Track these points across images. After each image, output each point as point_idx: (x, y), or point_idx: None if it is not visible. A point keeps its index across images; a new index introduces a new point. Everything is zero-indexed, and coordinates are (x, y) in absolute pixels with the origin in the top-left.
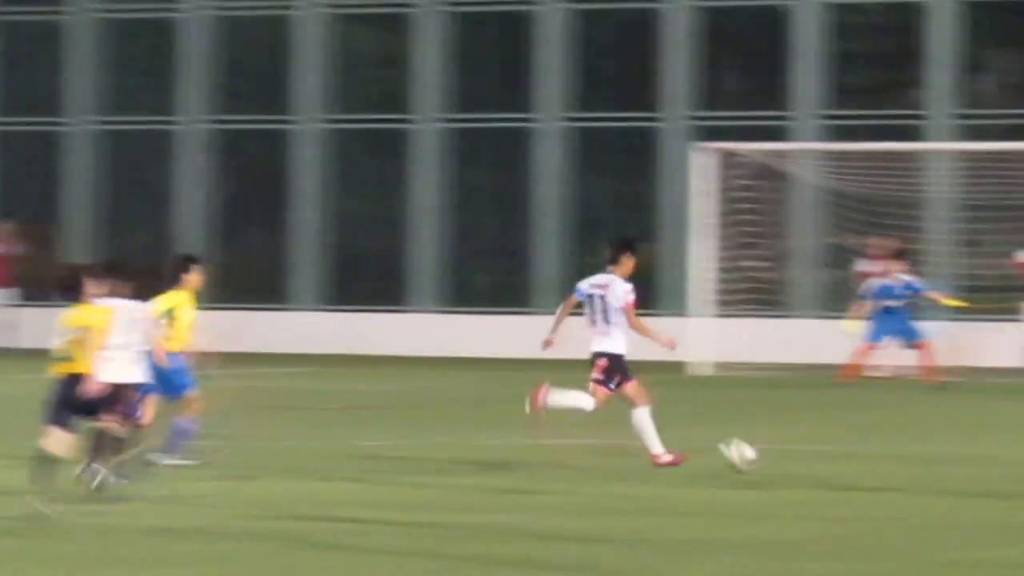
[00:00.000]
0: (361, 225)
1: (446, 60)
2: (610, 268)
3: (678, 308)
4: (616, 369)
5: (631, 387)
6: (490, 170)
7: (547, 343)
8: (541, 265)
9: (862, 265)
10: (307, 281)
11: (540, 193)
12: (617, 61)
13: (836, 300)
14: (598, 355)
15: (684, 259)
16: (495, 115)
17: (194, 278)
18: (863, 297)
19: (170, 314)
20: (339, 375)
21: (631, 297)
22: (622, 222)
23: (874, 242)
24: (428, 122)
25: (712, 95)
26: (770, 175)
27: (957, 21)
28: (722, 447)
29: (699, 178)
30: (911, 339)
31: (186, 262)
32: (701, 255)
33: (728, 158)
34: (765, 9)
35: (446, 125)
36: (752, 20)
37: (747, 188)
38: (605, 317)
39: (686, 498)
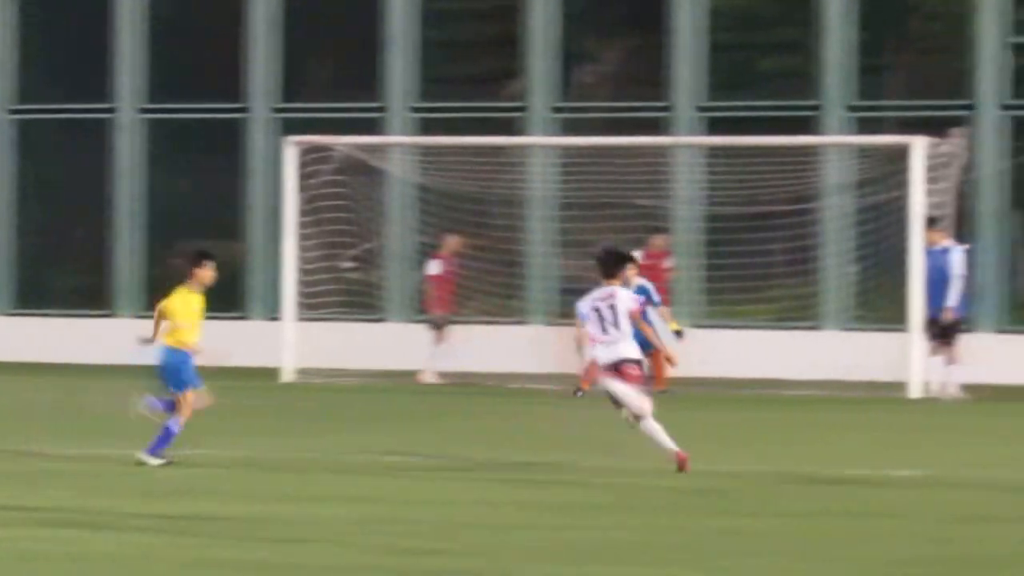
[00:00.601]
0: None
1: (17, 46)
2: (604, 282)
3: (270, 311)
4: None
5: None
6: (66, 163)
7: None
8: (121, 265)
9: (432, 268)
10: None
11: (119, 188)
12: (200, 48)
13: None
14: (626, 361)
15: (275, 259)
16: (68, 105)
17: (207, 274)
18: None
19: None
20: None
21: (637, 304)
22: (208, 219)
23: (448, 242)
24: None
25: (301, 85)
26: (362, 170)
27: (556, 9)
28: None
29: (288, 173)
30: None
31: (199, 258)
32: (291, 255)
33: (318, 152)
34: None
35: (17, 116)
36: (342, 6)
37: (339, 184)
38: (616, 324)
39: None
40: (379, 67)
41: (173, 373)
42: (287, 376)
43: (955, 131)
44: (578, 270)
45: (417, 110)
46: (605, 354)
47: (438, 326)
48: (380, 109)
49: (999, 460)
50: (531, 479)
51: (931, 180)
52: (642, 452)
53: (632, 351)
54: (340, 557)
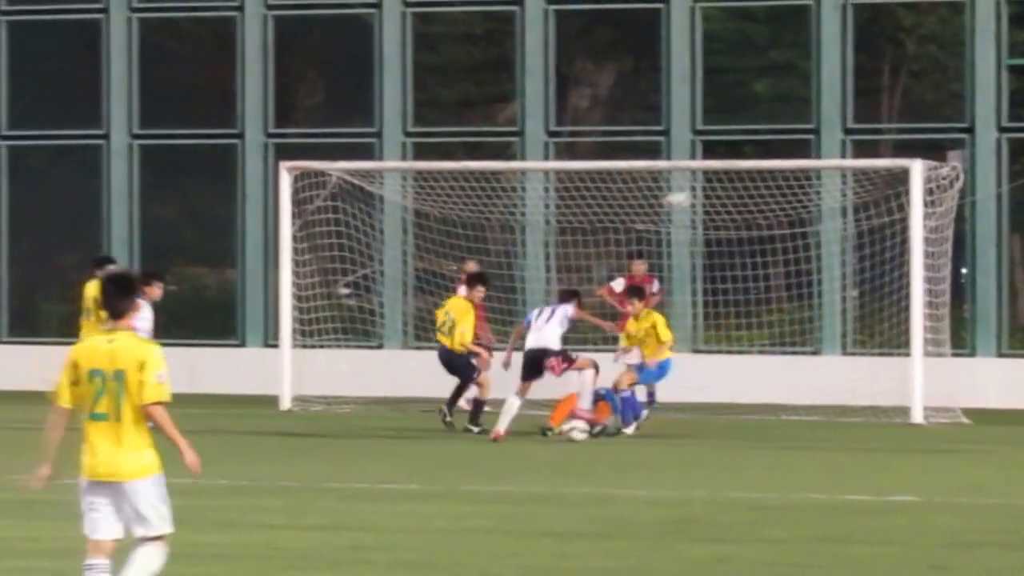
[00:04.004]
0: None
1: (8, 72)
2: None
3: (266, 339)
4: None
5: None
6: (58, 189)
7: None
8: None
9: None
10: None
11: (112, 215)
12: (192, 73)
13: (427, 330)
14: None
15: (270, 286)
16: (61, 131)
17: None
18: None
19: None
20: None
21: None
22: (202, 246)
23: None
24: None
25: (294, 110)
26: (357, 195)
27: (550, 32)
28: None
29: (283, 199)
30: None
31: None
32: (287, 282)
33: (312, 178)
34: (346, 18)
35: (9, 143)
36: (335, 30)
37: (333, 209)
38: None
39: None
40: (373, 91)
41: None
42: (285, 404)
43: (953, 154)
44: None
45: (411, 135)
46: None
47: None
48: (374, 134)
49: (996, 486)
50: (523, 506)
51: (930, 203)
52: (626, 479)
53: None
54: None
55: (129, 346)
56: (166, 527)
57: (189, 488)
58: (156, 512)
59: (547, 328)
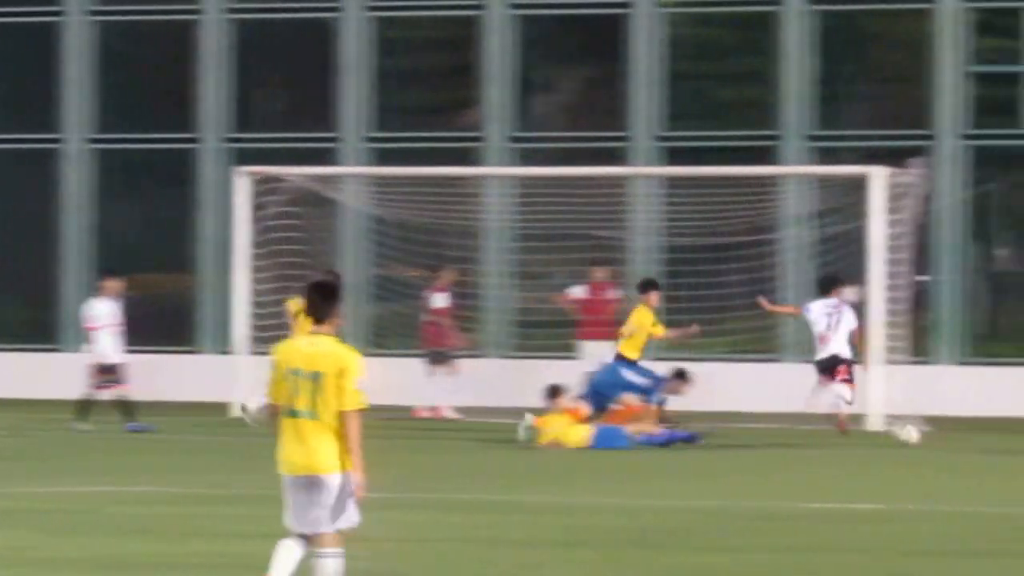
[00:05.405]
0: None
1: None
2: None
3: (221, 345)
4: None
5: None
6: (12, 194)
7: None
8: (68, 299)
9: (438, 301)
10: None
11: (66, 221)
12: (150, 77)
13: (384, 336)
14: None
15: (226, 292)
16: (15, 135)
17: None
18: None
19: None
20: None
21: None
22: (158, 252)
23: (444, 275)
24: None
25: (253, 115)
26: (315, 201)
27: (513, 38)
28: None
29: (239, 204)
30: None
31: None
32: (243, 288)
33: (270, 183)
34: (307, 22)
35: None
36: (295, 35)
37: (291, 215)
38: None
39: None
40: (332, 96)
41: None
42: (237, 411)
43: (914, 161)
44: (534, 302)
45: (371, 140)
46: None
47: (449, 359)
48: (334, 139)
49: (959, 493)
50: (487, 515)
51: (890, 210)
52: (592, 488)
53: None
54: None
55: (330, 350)
56: (354, 519)
57: (150, 496)
58: (346, 504)
59: (841, 336)
